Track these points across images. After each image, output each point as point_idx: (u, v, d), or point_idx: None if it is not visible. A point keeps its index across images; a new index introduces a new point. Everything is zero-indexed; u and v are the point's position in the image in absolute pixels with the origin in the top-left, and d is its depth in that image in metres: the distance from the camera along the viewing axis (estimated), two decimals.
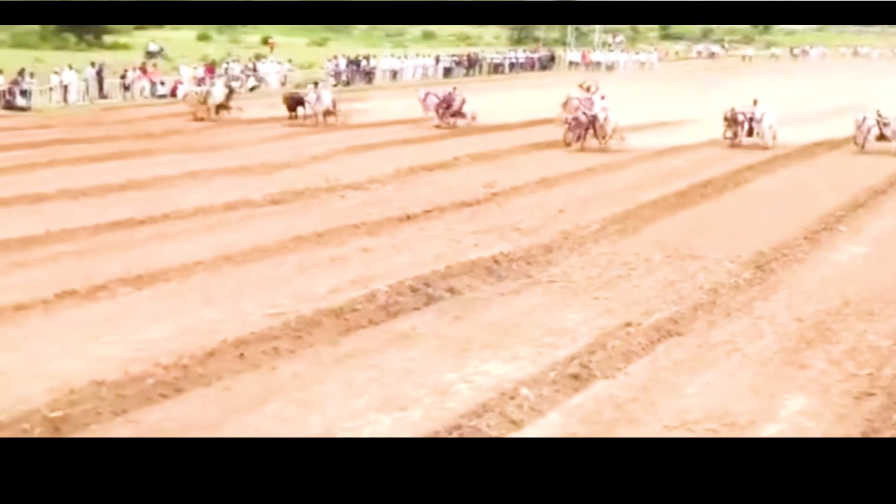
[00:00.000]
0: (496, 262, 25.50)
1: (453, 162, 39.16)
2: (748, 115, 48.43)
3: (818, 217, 31.99)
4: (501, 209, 32.57)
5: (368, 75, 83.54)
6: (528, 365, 18.71)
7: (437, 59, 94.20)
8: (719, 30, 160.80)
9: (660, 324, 21.13)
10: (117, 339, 19.30)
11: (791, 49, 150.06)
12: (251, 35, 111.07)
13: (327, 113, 54.52)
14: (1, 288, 22.21)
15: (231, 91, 60.25)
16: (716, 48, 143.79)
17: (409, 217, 30.68)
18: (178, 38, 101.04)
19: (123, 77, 65.92)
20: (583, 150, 44.86)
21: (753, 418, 16.69)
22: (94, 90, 63.11)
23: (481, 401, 16.88)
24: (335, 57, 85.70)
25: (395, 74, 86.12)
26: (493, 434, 15.77)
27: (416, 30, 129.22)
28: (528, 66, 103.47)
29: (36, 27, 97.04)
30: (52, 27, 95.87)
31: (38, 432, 15.25)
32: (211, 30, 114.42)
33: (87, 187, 34.24)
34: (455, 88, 56.95)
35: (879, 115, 48.62)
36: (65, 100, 59.82)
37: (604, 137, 45.11)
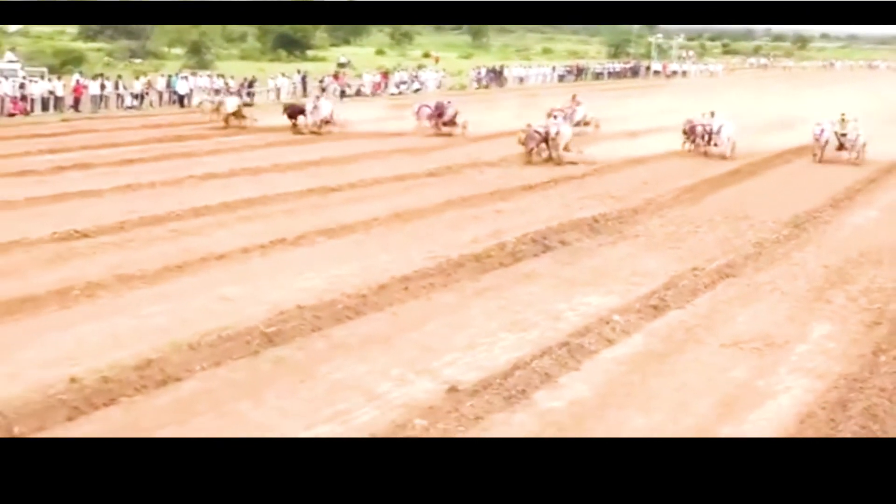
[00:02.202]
0: (596, 220, 25.43)
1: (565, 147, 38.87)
2: (707, 127, 39.22)
3: (842, 189, 31.56)
4: (600, 181, 32.42)
5: (500, 79, 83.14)
6: (619, 298, 18.69)
7: (553, 69, 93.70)
8: (766, 47, 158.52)
9: (719, 268, 21.01)
10: (315, 275, 19.49)
11: (821, 62, 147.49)
12: (416, 50, 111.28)
13: (325, 122, 45.46)
14: (230, 236, 22.56)
15: (245, 103, 51.45)
16: (764, 60, 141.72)
17: (531, 187, 30.65)
18: (361, 52, 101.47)
19: (321, 81, 66.26)
20: (530, 162, 36.12)
21: (788, 340, 16.61)
22: (299, 92, 63.43)
23: (584, 324, 16.93)
24: (477, 67, 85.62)
25: (521, 80, 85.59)
26: (594, 348, 15.82)
27: (538, 46, 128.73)
28: (622, 74, 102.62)
29: (257, 45, 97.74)
30: (269, 45, 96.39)
31: (256, 344, 15.48)
32: (385, 46, 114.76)
33: (292, 163, 34.56)
34: (449, 102, 47.54)
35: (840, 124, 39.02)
36: (278, 98, 60.08)
37: (556, 150, 36.26)
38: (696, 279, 20.19)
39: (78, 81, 53.54)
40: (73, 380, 13.54)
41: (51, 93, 51.18)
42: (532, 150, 36.11)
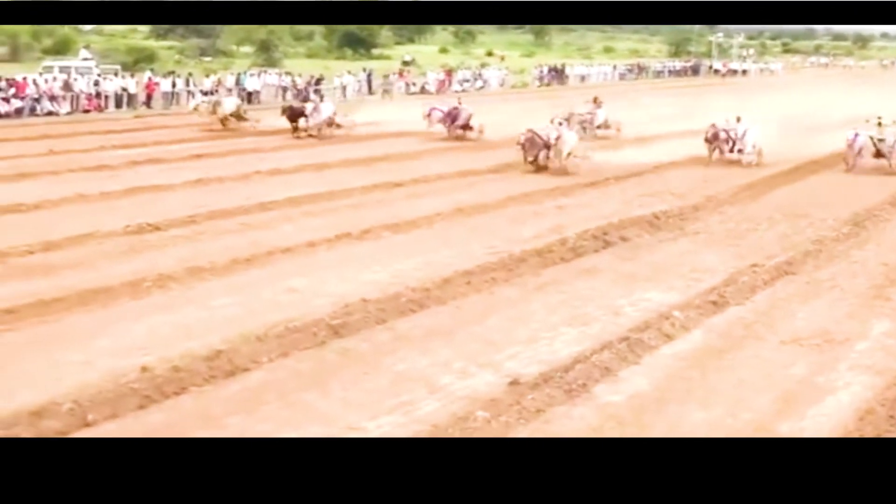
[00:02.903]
0: (656, 217, 25.30)
1: (620, 144, 38.53)
2: (732, 133, 35.59)
3: None
4: (661, 178, 32.22)
5: (562, 77, 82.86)
6: (679, 294, 18.58)
7: (615, 67, 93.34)
8: (827, 45, 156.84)
9: (778, 265, 20.80)
10: (379, 269, 19.54)
11: (881, 61, 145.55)
12: (479, 48, 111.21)
13: (330, 124, 42.14)
14: (297, 230, 22.67)
15: (243, 101, 49.46)
16: (825, 59, 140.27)
17: (592, 184, 30.54)
18: (425, 51, 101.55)
19: (386, 79, 66.40)
20: (537, 170, 33.15)
21: (849, 337, 16.39)
22: (364, 89, 63.60)
23: (644, 319, 16.83)
24: (539, 65, 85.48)
25: (583, 78, 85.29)
26: (654, 343, 15.74)
27: (599, 45, 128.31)
28: (682, 72, 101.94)
29: (323, 43, 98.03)
30: (335, 43, 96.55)
31: (322, 336, 15.54)
32: (449, 44, 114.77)
33: (358, 158, 34.66)
34: (460, 102, 44.06)
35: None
36: (343, 96, 60.22)
37: (558, 157, 32.88)
38: (755, 276, 20.01)
39: (150, 79, 54.05)
40: (144, 369, 13.67)
41: (124, 90, 51.67)
42: (536, 155, 33.02)
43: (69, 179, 28.57)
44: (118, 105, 50.46)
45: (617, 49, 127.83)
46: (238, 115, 44.35)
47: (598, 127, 41.96)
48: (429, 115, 42.95)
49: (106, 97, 50.33)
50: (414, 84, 68.13)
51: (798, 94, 62.64)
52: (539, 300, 18.15)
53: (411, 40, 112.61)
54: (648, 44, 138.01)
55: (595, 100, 43.70)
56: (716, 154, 35.96)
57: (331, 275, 19.07)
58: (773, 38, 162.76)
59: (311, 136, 41.26)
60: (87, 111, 48.17)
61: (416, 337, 15.83)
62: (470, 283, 18.82)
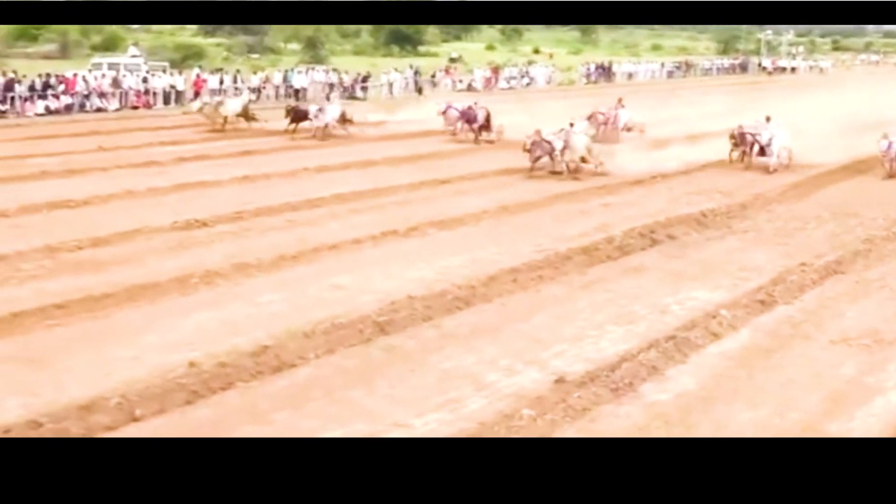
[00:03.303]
0: (704, 215, 25.19)
1: (665, 143, 38.22)
2: (758, 136, 33.09)
3: None
4: (708, 176, 32.03)
5: (609, 75, 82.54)
6: (726, 292, 18.48)
7: (662, 65, 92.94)
8: (877, 43, 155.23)
9: (827, 264, 20.66)
10: (425, 266, 19.54)
11: None
12: (526, 46, 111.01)
13: (345, 121, 40.18)
14: (343, 227, 22.71)
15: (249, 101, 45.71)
16: (875, 57, 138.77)
17: (638, 182, 30.38)
18: (472, 48, 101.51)
19: (433, 76, 66.40)
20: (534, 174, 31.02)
21: None
22: (411, 86, 63.59)
23: (691, 318, 16.77)
24: (586, 63, 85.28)
25: (630, 76, 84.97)
26: (701, 342, 15.66)
27: (647, 42, 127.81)
28: (730, 70, 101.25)
29: (370, 41, 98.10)
30: (382, 41, 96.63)
31: (368, 332, 15.57)
32: (495, 41, 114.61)
33: (404, 156, 34.69)
34: (476, 103, 41.71)
35: None
36: (390, 93, 60.21)
37: (563, 160, 30.96)
38: (804, 275, 19.87)
39: (198, 76, 54.27)
40: (191, 364, 13.75)
41: (172, 87, 51.91)
42: (538, 159, 30.98)
43: (118, 176, 28.75)
44: (166, 102, 50.62)
45: (665, 46, 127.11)
46: (247, 116, 42.04)
47: (622, 129, 39.63)
48: (444, 112, 41.12)
49: (154, 94, 50.58)
50: (461, 81, 68.05)
51: (848, 92, 61.89)
52: (585, 298, 18.10)
53: (458, 38, 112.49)
54: (697, 41, 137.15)
55: (619, 101, 41.62)
56: (737, 155, 33.94)
57: (377, 272, 19.09)
58: (822, 36, 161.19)
59: (314, 136, 39.19)
60: (135, 108, 48.45)
61: (463, 334, 15.83)
62: (516, 281, 18.80)
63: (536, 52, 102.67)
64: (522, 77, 73.78)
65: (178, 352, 14.20)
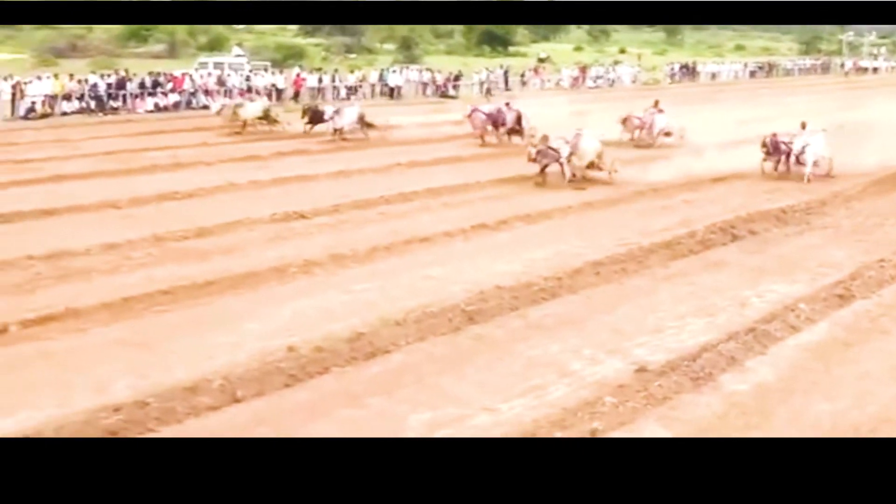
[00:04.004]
0: (783, 212, 24.89)
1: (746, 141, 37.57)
2: (790, 144, 30.04)
3: None
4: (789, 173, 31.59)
5: (693, 75, 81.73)
6: (805, 287, 18.26)
7: (745, 65, 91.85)
8: None
9: None
10: (513, 258, 19.55)
11: None
12: (613, 46, 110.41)
13: (364, 125, 37.57)
14: (434, 220, 22.77)
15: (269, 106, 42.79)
16: None
17: (719, 179, 30.03)
18: (560, 49, 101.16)
19: (522, 76, 66.31)
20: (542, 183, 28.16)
21: None
22: (502, 85, 63.43)
23: (770, 311, 16.61)
24: (671, 63, 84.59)
25: (714, 76, 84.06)
26: (780, 335, 15.52)
27: (731, 43, 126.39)
28: (812, 70, 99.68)
29: (462, 41, 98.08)
30: (473, 41, 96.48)
31: (458, 321, 15.64)
32: (583, 42, 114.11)
33: (491, 153, 34.60)
34: (508, 104, 38.57)
35: None
36: (481, 91, 60.08)
37: (570, 168, 28.18)
38: (882, 270, 19.58)
39: (298, 75, 54.75)
40: (290, 349, 13.92)
41: (273, 85, 52.42)
42: (546, 167, 28.14)
43: (221, 169, 29.12)
44: (268, 98, 50.98)
45: (748, 47, 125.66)
46: (268, 118, 40.01)
47: (658, 134, 37.03)
48: (470, 115, 37.83)
49: (257, 92, 51.01)
50: (549, 80, 67.89)
51: None
52: (667, 291, 18.01)
53: (546, 38, 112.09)
54: (779, 42, 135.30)
55: (655, 104, 38.56)
56: (769, 165, 30.68)
57: (466, 263, 19.15)
58: None
59: (334, 139, 37.01)
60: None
61: (548, 324, 15.84)
62: (600, 274, 18.76)
63: (623, 52, 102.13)
64: (608, 76, 73.32)
65: (277, 337, 14.39)
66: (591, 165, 28.66)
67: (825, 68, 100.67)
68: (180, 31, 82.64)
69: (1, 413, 11.67)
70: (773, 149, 30.07)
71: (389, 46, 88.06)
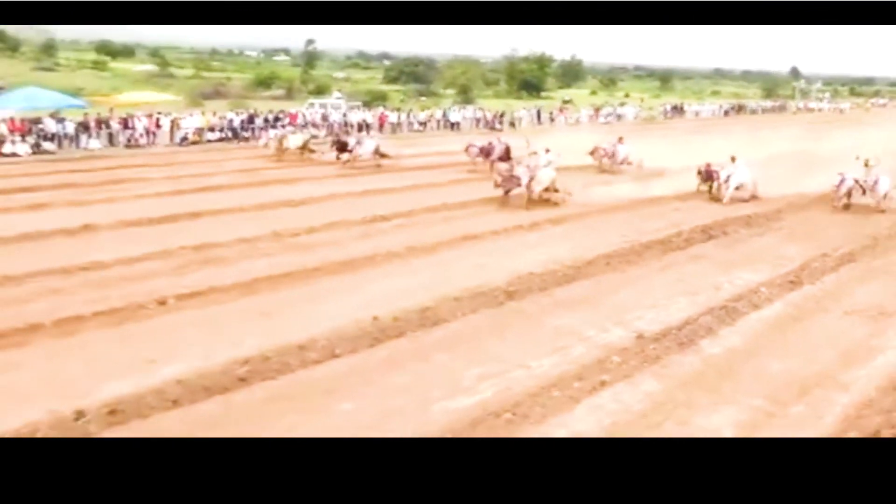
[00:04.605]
0: (750, 217, 24.57)
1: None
2: (716, 172, 28.49)
3: None
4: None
5: (681, 113, 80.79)
6: (765, 275, 18.06)
7: (720, 106, 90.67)
8: (884, 90, 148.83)
9: (842, 255, 20.12)
10: (542, 251, 19.43)
11: None
12: (620, 91, 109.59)
13: (382, 155, 35.11)
14: (483, 222, 22.64)
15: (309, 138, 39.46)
16: (882, 101, 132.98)
17: (702, 192, 29.48)
18: (579, 93, 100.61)
19: (551, 114, 65.89)
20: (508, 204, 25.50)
21: None
22: (535, 121, 63.03)
23: (738, 293, 16.50)
24: (664, 104, 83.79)
25: (697, 113, 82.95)
26: (745, 311, 15.38)
27: (709, 89, 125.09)
28: (772, 110, 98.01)
29: (505, 87, 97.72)
30: (514, 88, 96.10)
31: (501, 299, 15.62)
32: (597, 88, 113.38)
33: None
34: (500, 139, 36.00)
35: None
36: (519, 125, 59.69)
37: (532, 193, 25.67)
38: (824, 262, 19.34)
39: (382, 112, 54.83)
40: (375, 318, 13.98)
41: (364, 120, 52.52)
42: (509, 191, 25.83)
43: (325, 183, 29.19)
44: (359, 131, 51.06)
45: (722, 92, 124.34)
46: (307, 149, 37.34)
47: (621, 162, 34.67)
48: (466, 149, 35.18)
49: (351, 125, 51.15)
50: (571, 117, 67.43)
51: (869, 127, 59.56)
52: (660, 277, 17.86)
53: (569, 85, 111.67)
54: (747, 88, 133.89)
55: (619, 139, 35.91)
56: (705, 188, 28.68)
57: (507, 255, 19.09)
58: (842, 84, 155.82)
59: (346, 163, 34.44)
60: (336, 135, 49.10)
61: (569, 301, 15.77)
62: (608, 264, 18.64)
63: (627, 96, 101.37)
64: (615, 114, 72.70)
65: (366, 309, 14.43)
66: (547, 190, 26.28)
67: (782, 108, 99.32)
68: (295, 79, 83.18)
69: (159, 364, 11.83)
70: (707, 176, 28.65)
71: (451, 91, 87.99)
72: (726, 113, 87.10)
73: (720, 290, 16.83)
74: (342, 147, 35.57)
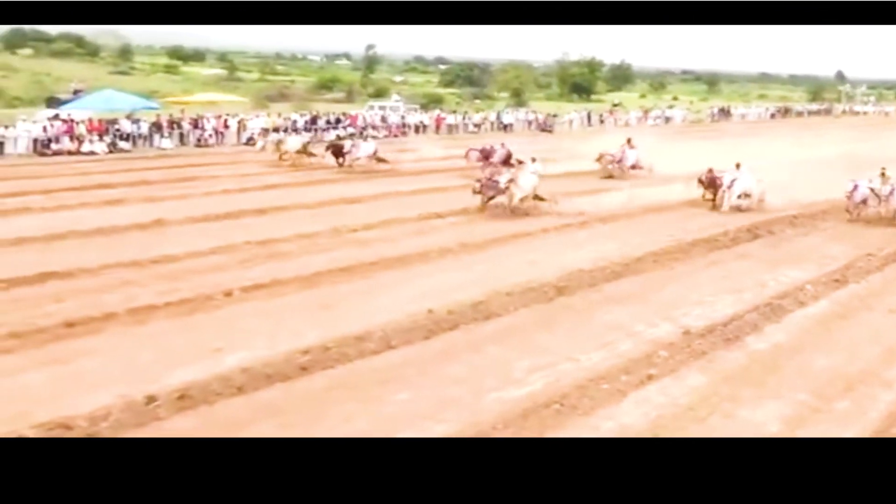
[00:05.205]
0: (795, 217, 24.12)
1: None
2: (719, 178, 25.49)
3: None
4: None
5: (727, 116, 79.53)
6: (811, 273, 17.74)
7: (767, 109, 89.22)
8: None
9: (888, 255, 19.75)
10: (592, 248, 19.27)
11: None
12: (668, 95, 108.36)
13: (378, 159, 33.16)
14: (534, 221, 22.46)
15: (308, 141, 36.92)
16: None
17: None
18: (629, 96, 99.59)
19: (601, 116, 65.38)
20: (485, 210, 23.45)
21: None
22: (585, 122, 62.59)
23: (783, 290, 16.28)
24: (711, 106, 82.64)
25: (743, 116, 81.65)
26: (791, 308, 15.14)
27: (756, 92, 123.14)
28: (817, 113, 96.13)
29: (557, 90, 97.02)
30: (566, 91, 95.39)
31: (551, 294, 15.53)
32: (646, 91, 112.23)
33: (576, 171, 34.08)
34: (503, 144, 33.21)
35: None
36: (570, 127, 59.38)
37: (510, 200, 23.34)
38: (869, 262, 18.97)
39: (438, 115, 54.90)
40: (429, 311, 13.96)
41: (421, 122, 52.65)
42: (491, 198, 23.40)
43: (382, 182, 29.22)
44: (416, 132, 51.22)
45: (769, 95, 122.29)
46: (306, 152, 34.71)
47: (631, 167, 31.85)
48: (466, 154, 33.01)
49: (408, 127, 51.31)
50: (620, 120, 66.87)
51: None
52: (706, 275, 17.65)
53: (619, 88, 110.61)
54: (793, 91, 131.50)
55: (629, 141, 32.82)
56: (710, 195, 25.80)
57: (557, 252, 18.98)
58: (887, 88, 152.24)
59: (340, 165, 32.58)
60: (395, 136, 49.21)
61: (617, 297, 15.64)
62: (656, 261, 18.46)
63: (675, 99, 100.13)
64: (664, 116, 71.89)
65: (421, 302, 14.43)
66: (536, 197, 23.80)
67: (827, 111, 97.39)
68: (356, 82, 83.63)
69: (224, 353, 11.94)
70: (709, 183, 25.49)
71: (504, 94, 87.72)
72: (772, 116, 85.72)
73: (766, 287, 16.57)
74: (338, 151, 33.39)
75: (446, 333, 13.26)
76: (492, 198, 23.42)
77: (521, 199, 23.55)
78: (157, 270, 16.34)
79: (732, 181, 25.17)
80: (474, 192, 23.56)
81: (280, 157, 34.56)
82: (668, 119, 70.73)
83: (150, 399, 10.27)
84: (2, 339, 12.16)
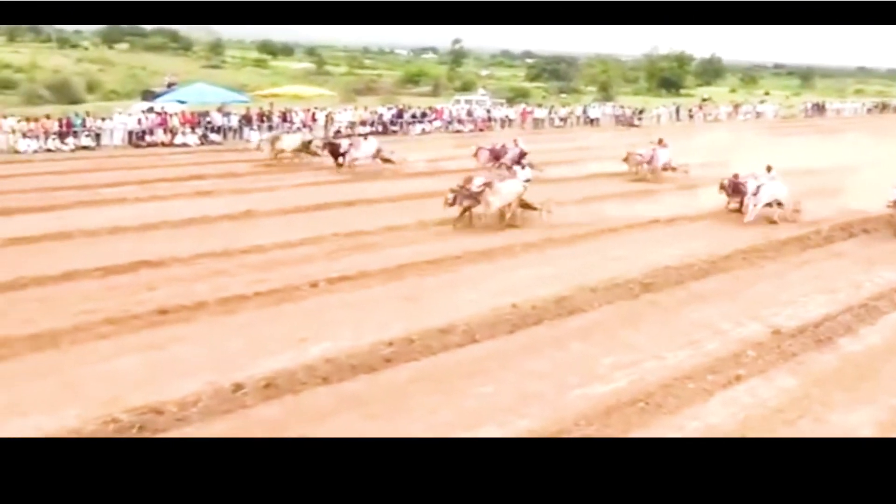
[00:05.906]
0: (893, 216, 23.16)
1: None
2: (743, 184, 22.41)
3: None
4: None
5: (822, 111, 77.36)
6: None
7: (863, 104, 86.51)
8: None
9: None
10: (678, 246, 18.94)
11: None
12: (759, 89, 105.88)
13: (383, 160, 29.98)
14: (621, 216, 22.12)
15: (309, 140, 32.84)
16: None
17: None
18: (718, 91, 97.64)
19: (690, 111, 64.08)
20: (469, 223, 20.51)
21: None
22: (674, 117, 61.34)
23: (879, 291, 15.92)
24: (805, 101, 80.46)
25: (838, 111, 79.34)
26: (886, 309, 14.70)
27: (852, 87, 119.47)
28: None
29: (644, 85, 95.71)
30: (654, 85, 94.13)
31: (636, 291, 15.35)
32: (736, 86, 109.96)
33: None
34: (515, 141, 30.52)
35: None
36: (658, 122, 58.24)
37: (487, 208, 20.33)
38: None
39: (524, 109, 54.64)
40: (513, 306, 13.95)
41: (507, 116, 52.48)
42: (467, 210, 20.37)
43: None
44: (502, 126, 50.93)
45: (866, 90, 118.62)
46: (308, 150, 31.78)
47: (663, 168, 29.14)
48: (476, 153, 30.41)
49: (493, 121, 51.17)
50: (709, 115, 65.63)
51: None
52: (798, 274, 17.23)
53: (708, 83, 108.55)
54: (891, 86, 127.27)
55: (660, 141, 29.96)
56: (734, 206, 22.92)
57: (643, 248, 18.74)
58: None
59: (338, 165, 29.98)
60: (481, 130, 49.12)
61: (705, 295, 15.40)
62: (745, 259, 18.10)
63: (767, 94, 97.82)
64: (755, 111, 70.28)
65: (505, 297, 14.42)
66: (524, 205, 21.29)
67: None
68: (443, 76, 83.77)
69: (310, 343, 12.11)
70: (734, 189, 22.61)
71: (591, 88, 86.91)
72: (869, 111, 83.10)
73: (860, 288, 16.11)
74: (334, 150, 30.81)
75: (530, 328, 13.23)
76: (468, 208, 20.43)
77: (502, 209, 20.81)
78: (246, 260, 16.66)
79: (758, 187, 22.13)
80: (447, 203, 20.15)
81: (275, 157, 31.32)
82: (759, 114, 69.13)
83: (238, 387, 10.48)
84: (98, 324, 12.56)
